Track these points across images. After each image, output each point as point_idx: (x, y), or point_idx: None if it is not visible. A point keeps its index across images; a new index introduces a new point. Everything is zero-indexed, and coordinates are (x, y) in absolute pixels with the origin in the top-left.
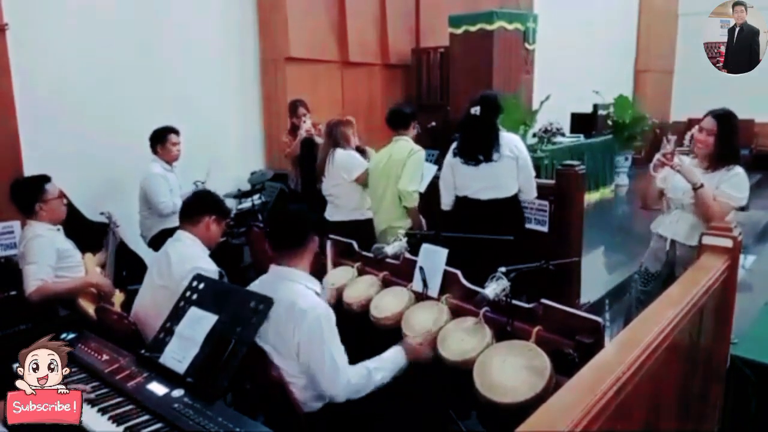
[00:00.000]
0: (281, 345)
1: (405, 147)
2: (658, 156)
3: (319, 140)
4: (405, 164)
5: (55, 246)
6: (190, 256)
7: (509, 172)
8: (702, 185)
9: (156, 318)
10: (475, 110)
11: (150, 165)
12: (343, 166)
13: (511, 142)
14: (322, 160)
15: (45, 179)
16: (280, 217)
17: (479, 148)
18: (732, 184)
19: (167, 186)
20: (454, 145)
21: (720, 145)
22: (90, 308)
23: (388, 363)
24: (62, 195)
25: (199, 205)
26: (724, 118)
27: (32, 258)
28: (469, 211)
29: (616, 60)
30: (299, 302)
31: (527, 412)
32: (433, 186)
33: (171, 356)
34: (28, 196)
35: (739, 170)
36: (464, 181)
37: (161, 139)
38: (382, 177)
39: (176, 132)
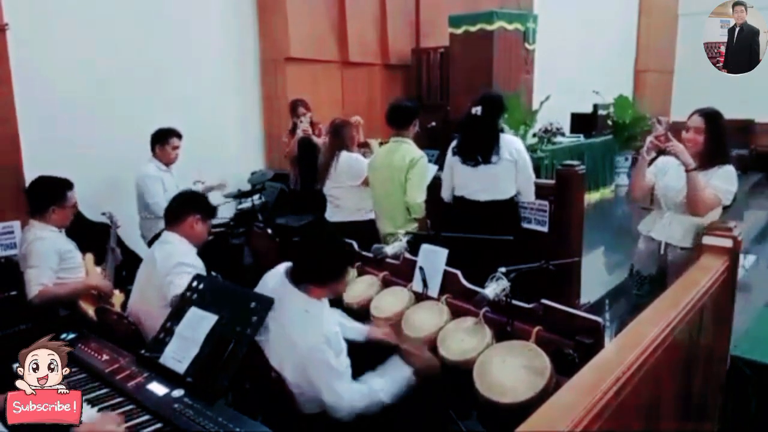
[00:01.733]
0: (286, 356)
1: (406, 153)
2: (650, 138)
3: (318, 140)
4: (408, 174)
5: (57, 248)
6: (175, 253)
7: (507, 175)
8: (695, 167)
9: (147, 316)
10: (476, 110)
11: (145, 165)
12: (347, 171)
13: (511, 144)
14: (326, 161)
15: (69, 185)
16: (312, 246)
17: (478, 149)
18: (722, 178)
19: (161, 187)
20: (453, 143)
21: (710, 143)
22: (90, 309)
23: (391, 385)
24: (76, 205)
25: (182, 205)
26: (711, 116)
27: (34, 261)
28: (467, 211)
29: (616, 60)
30: (292, 336)
31: (527, 412)
32: (433, 186)
33: (171, 356)
34: (48, 196)
35: (729, 168)
36: (462, 180)
37: (162, 140)
38: (384, 182)
39: (179, 135)
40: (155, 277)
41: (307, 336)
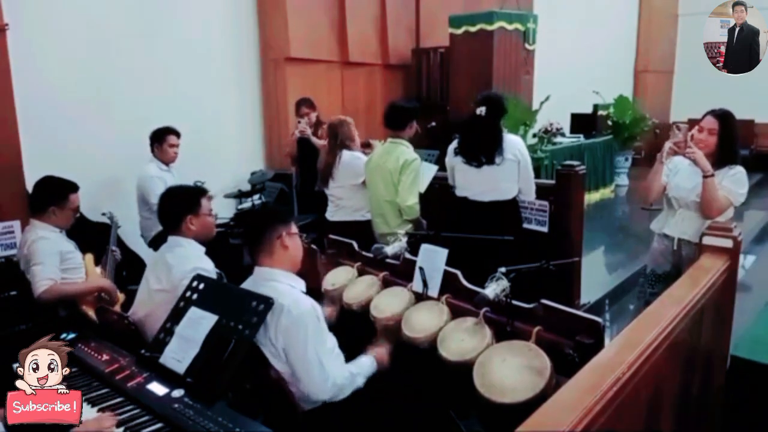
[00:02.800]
0: (268, 345)
1: (401, 155)
2: (668, 144)
3: (318, 141)
4: (401, 176)
5: (59, 248)
6: (188, 257)
7: (510, 176)
8: (713, 174)
9: (154, 321)
10: (481, 111)
11: (146, 166)
12: (348, 170)
13: (514, 145)
14: (328, 162)
15: (73, 188)
16: (245, 216)
17: (482, 149)
18: (734, 180)
19: (163, 187)
20: (454, 144)
21: (722, 144)
22: (91, 311)
23: (365, 369)
24: (78, 208)
25: (171, 210)
26: (724, 117)
27: (38, 258)
28: (470, 212)
29: (616, 60)
30: (281, 301)
31: (527, 412)
32: (433, 186)
33: (171, 356)
34: (50, 195)
35: (740, 169)
36: (465, 181)
37: (159, 139)
38: (378, 183)
39: (176, 133)
40: (167, 280)
41: (299, 304)
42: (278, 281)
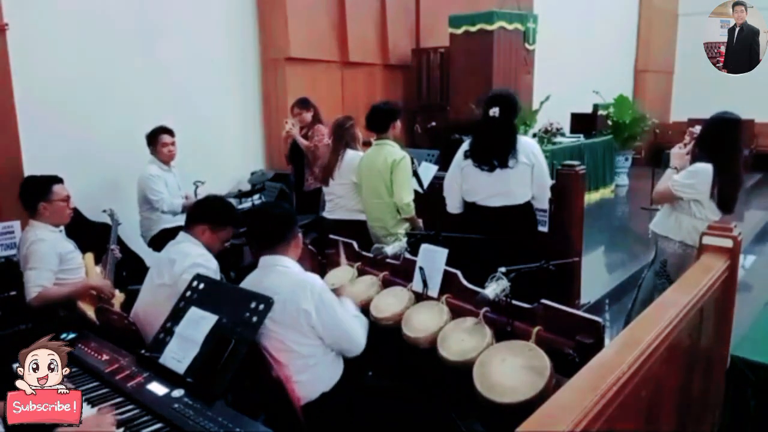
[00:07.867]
0: (293, 323)
1: (388, 155)
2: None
3: (303, 142)
4: (393, 175)
5: (58, 250)
6: (191, 253)
7: (523, 180)
8: (674, 168)
9: (155, 317)
10: (494, 111)
11: (148, 166)
12: (352, 168)
13: (528, 148)
14: (331, 160)
15: (55, 180)
16: (262, 216)
17: (495, 152)
18: (684, 173)
19: (163, 185)
20: (465, 146)
21: (696, 143)
22: (89, 310)
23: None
24: (69, 198)
25: (195, 212)
26: (708, 121)
27: (34, 263)
28: (479, 218)
29: (616, 60)
30: (296, 278)
31: (527, 412)
32: (433, 186)
33: (171, 356)
34: (33, 194)
35: (700, 166)
36: (474, 186)
37: (152, 140)
38: (371, 186)
39: (169, 132)
40: (168, 275)
41: (316, 278)
42: (286, 266)
